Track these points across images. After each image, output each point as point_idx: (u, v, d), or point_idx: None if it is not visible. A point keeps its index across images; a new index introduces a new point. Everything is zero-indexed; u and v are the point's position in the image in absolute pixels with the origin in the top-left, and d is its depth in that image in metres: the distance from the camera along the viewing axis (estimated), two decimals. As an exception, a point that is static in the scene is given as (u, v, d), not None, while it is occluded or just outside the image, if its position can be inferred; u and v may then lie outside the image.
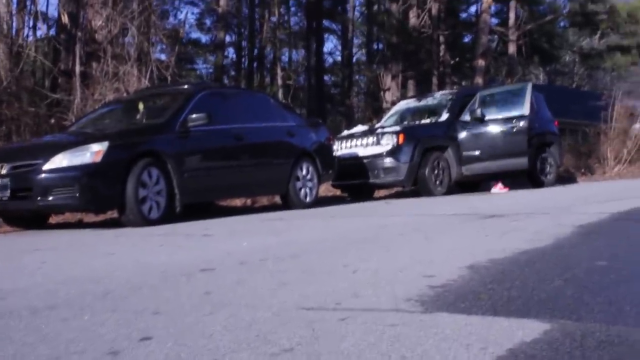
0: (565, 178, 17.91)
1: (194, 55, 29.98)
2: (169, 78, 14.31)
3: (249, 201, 12.43)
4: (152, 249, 5.63)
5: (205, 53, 29.90)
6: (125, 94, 13.02)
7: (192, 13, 35.79)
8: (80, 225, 9.35)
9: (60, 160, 7.81)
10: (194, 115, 8.93)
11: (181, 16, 30.62)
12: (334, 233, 6.45)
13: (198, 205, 10.28)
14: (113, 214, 9.16)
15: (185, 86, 10.31)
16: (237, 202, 12.22)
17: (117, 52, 14.13)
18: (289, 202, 10.66)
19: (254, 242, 5.83)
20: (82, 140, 8.29)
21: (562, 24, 30.64)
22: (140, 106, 9.49)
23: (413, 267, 3.94)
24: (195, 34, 33.89)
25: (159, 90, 10.96)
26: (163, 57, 16.42)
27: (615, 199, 9.81)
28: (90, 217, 9.91)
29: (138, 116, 9.44)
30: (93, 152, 7.85)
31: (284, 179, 10.45)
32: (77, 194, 7.76)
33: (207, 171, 9.15)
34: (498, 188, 13.66)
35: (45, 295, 3.54)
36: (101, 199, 7.98)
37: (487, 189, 14.49)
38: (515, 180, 15.31)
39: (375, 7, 30.85)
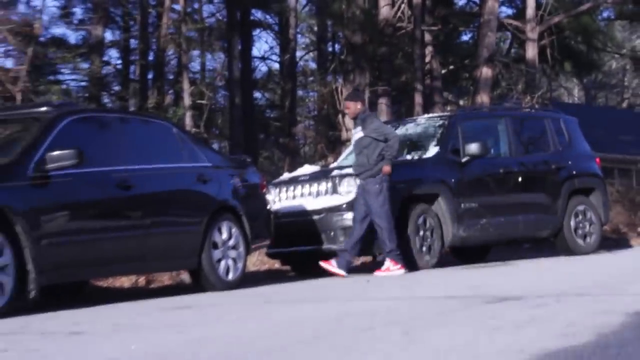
0: (613, 241, 18.13)
1: (57, 60, 29.82)
2: (19, 96, 14.24)
3: (141, 280, 12.35)
4: (-8, 356, 5.56)
5: (75, 57, 29.76)
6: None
7: (55, -2, 35.71)
8: None
9: None
10: (56, 153, 8.86)
11: (37, 2, 30.57)
12: (269, 327, 6.43)
13: (64, 288, 10.17)
14: None
15: (44, 108, 10.23)
16: (124, 281, 12.13)
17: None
18: (202, 281, 10.60)
19: (148, 343, 5.79)
20: None
21: (605, 15, 31.20)
22: (-25, 138, 9.42)
23: (387, 378, 3.94)
24: (59, 30, 33.84)
25: (3, 115, 10.86)
26: (9, 63, 16.37)
27: (685, 272, 9.96)
28: None
29: (-29, 153, 9.35)
30: None
31: (194, 247, 10.41)
32: None
33: (77, 236, 9.07)
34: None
35: None
36: None
37: (499, 258, 14.61)
38: (538, 245, 15.49)
39: (330, -10, 31.17)
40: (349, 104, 13.02)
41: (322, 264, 12.10)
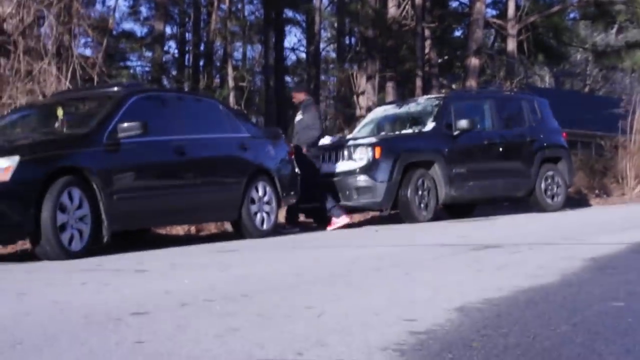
0: (576, 201, 18.09)
1: (126, 50, 29.87)
2: (96, 78, 14.24)
3: (192, 229, 12.38)
4: (73, 288, 5.59)
5: (141, 48, 29.80)
6: (40, 97, 12.93)
7: (124, -1, 35.70)
8: (-16, 258, 9.25)
9: (-40, 179, 7.74)
10: (125, 124, 8.89)
11: (110, 3, 30.55)
12: (296, 267, 6.45)
13: (130, 234, 10.22)
14: (25, 244, 9.07)
15: (115, 88, 10.27)
16: (179, 229, 12.17)
17: (31, 45, 14.03)
18: (241, 230, 10.63)
19: (198, 278, 5.81)
20: (-14, 154, 8.21)
21: (571, 15, 31.02)
22: (60, 112, 9.42)
23: (391, 309, 3.95)
24: (128, 25, 33.92)
25: (83, 93, 10.91)
26: (88, 52, 16.37)
27: (635, 226, 9.93)
28: (-4, 249, 9.81)
29: (57, 124, 9.37)
30: (0, 169, 7.78)
31: (235, 202, 10.43)
32: (-20, 221, 7.69)
33: (141, 192, 9.10)
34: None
35: (-61, 345, 3.50)
36: (10, 226, 7.88)
37: (483, 213, 14.60)
38: (515, 203, 15.47)
39: (347, -7, 31.02)
40: (294, 94, 13.71)
41: (330, 228, 12.17)
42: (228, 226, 11.86)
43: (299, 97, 13.32)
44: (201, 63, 29.52)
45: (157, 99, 10.39)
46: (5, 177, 7.74)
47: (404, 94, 25.50)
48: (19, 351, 3.31)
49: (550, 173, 14.70)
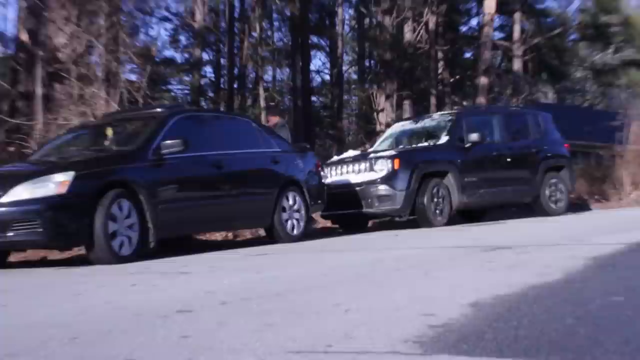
0: (577, 205, 17.98)
1: (167, 75, 30.00)
2: (141, 101, 14.35)
3: (230, 235, 12.41)
4: (124, 289, 5.63)
5: (180, 73, 29.96)
6: (92, 119, 13.03)
7: (165, 29, 35.88)
8: (43, 263, 9.31)
9: (21, 192, 7.79)
10: (168, 142, 8.95)
11: (153, 33, 30.74)
12: (324, 269, 6.46)
13: (174, 240, 10.26)
14: (80, 250, 9.13)
15: (159, 109, 10.34)
16: (217, 236, 12.20)
17: (82, 72, 14.16)
18: (274, 236, 10.65)
19: (236, 279, 5.83)
20: (44, 169, 8.27)
21: (572, 37, 30.95)
22: (109, 132, 9.51)
23: (411, 306, 3.95)
24: (169, 52, 34.00)
25: (129, 115, 10.98)
26: (133, 77, 16.51)
27: (632, 228, 9.86)
28: (54, 255, 9.87)
29: (106, 143, 9.45)
30: (57, 183, 7.84)
31: (268, 210, 10.46)
32: (41, 229, 7.72)
33: (183, 203, 9.15)
34: None
35: (4, 342, 3.53)
36: (67, 234, 7.95)
37: (493, 218, 14.55)
38: (522, 208, 15.40)
39: (367, 20, 31.09)
40: (270, 117, 14.45)
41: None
42: (262, 232, 11.88)
43: (274, 120, 13.70)
44: (235, 85, 29.62)
45: (196, 118, 10.47)
46: (62, 190, 7.81)
47: (420, 111, 25.51)
48: (77, 344, 3.34)
49: (553, 180, 14.64)
